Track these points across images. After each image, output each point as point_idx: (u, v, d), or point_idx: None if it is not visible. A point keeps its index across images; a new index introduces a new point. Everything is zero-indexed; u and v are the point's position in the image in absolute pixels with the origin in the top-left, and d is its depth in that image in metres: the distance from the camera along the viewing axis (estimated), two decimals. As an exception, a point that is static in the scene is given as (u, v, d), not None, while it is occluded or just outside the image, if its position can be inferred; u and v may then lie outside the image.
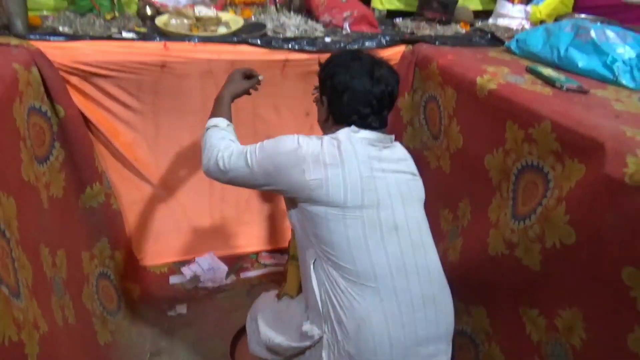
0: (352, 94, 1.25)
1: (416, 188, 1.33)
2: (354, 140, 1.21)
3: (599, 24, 1.95)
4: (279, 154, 1.21)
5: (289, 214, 1.30)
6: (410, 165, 1.35)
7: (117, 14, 1.87)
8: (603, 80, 1.68)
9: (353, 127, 1.25)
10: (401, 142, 2.11)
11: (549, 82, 1.61)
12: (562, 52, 1.78)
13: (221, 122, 1.42)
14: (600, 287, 1.21)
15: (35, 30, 1.74)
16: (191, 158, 2.07)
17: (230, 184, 1.33)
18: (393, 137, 1.32)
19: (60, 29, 1.75)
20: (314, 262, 1.23)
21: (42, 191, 1.50)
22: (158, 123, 1.97)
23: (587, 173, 1.23)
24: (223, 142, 1.33)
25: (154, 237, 2.20)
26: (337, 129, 1.25)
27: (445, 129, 1.88)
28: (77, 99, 1.74)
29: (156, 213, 2.15)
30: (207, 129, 1.42)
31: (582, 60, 1.74)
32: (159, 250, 2.22)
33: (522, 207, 1.47)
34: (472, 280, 1.66)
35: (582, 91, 1.54)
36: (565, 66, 1.77)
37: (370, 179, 1.19)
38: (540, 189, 1.41)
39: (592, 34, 1.74)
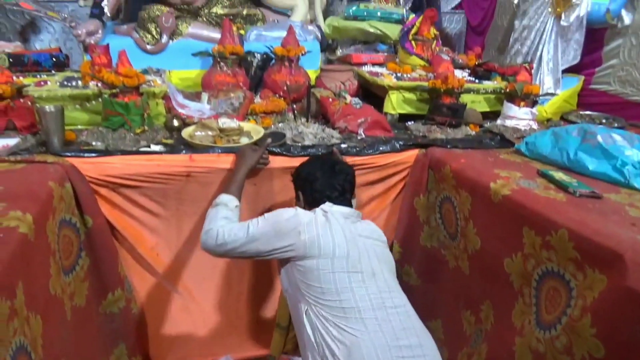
0: (319, 181, 1.63)
1: (388, 254, 1.63)
2: (334, 210, 1.56)
3: (604, 127, 2.02)
4: (280, 221, 1.50)
5: (280, 277, 1.57)
6: (380, 235, 1.65)
7: (146, 127, 2.00)
8: (615, 183, 1.71)
9: (328, 203, 1.59)
10: (418, 241, 2.17)
11: (561, 187, 1.65)
12: (571, 155, 1.84)
13: (230, 201, 1.64)
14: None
15: (70, 144, 1.86)
16: (210, 261, 2.09)
17: (224, 256, 1.62)
18: (361, 214, 1.67)
19: (94, 143, 1.87)
20: (305, 312, 1.44)
21: (66, 302, 1.52)
22: (181, 228, 2.02)
23: (609, 284, 1.23)
24: (225, 221, 1.56)
25: (171, 340, 2.16)
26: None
27: (462, 230, 1.90)
28: (104, 208, 1.82)
29: (175, 316, 2.14)
30: (216, 204, 1.63)
31: (592, 164, 1.78)
32: (177, 353, 2.18)
33: (547, 315, 1.45)
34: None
35: (595, 196, 1.57)
36: (575, 169, 1.82)
37: (352, 237, 1.50)
38: (563, 297, 1.39)
39: (599, 138, 1.81)
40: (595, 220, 1.39)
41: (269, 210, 2.08)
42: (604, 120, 2.67)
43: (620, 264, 1.20)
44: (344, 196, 1.65)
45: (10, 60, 2.31)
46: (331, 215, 1.53)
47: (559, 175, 1.74)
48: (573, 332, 1.29)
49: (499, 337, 1.66)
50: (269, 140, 1.83)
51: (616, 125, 2.58)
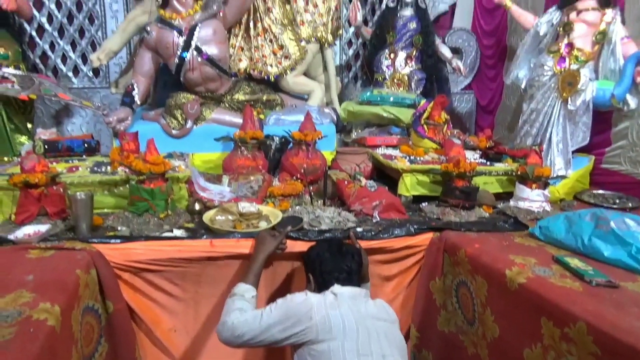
0: (327, 262, 1.70)
1: (399, 336, 1.63)
2: (343, 292, 1.61)
3: (617, 212, 2.04)
4: (291, 307, 1.55)
5: None
6: (390, 314, 1.68)
7: (169, 212, 2.09)
8: (631, 271, 1.71)
9: (337, 285, 1.64)
10: (436, 326, 2.15)
11: (577, 275, 1.65)
12: (585, 241, 1.86)
13: (247, 292, 1.68)
14: None
15: (97, 229, 1.94)
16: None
17: (243, 347, 1.65)
18: (369, 292, 1.79)
19: (119, 228, 1.96)
20: None
21: (84, 392, 1.53)
22: (198, 310, 2.04)
23: (632, 383, 1.21)
24: (239, 312, 1.59)
25: None
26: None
27: (479, 317, 1.89)
28: (125, 292, 1.86)
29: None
30: (233, 294, 1.68)
31: (607, 250, 1.79)
32: None
33: (571, 411, 1.41)
34: None
35: (612, 286, 1.57)
36: (590, 255, 1.83)
37: (361, 319, 1.53)
38: (587, 393, 1.36)
39: (612, 224, 1.83)
40: (613, 313, 1.39)
41: (286, 294, 2.10)
42: (617, 200, 2.69)
43: (641, 362, 1.19)
44: (351, 277, 1.70)
45: (46, 146, 2.47)
46: (340, 296, 1.59)
47: (575, 262, 1.75)
48: None
49: None
50: (289, 227, 1.92)
51: (630, 205, 2.60)
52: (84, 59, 3.61)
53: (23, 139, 2.86)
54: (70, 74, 3.62)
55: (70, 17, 3.55)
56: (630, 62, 2.69)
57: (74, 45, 3.60)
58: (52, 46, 3.57)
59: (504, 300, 1.75)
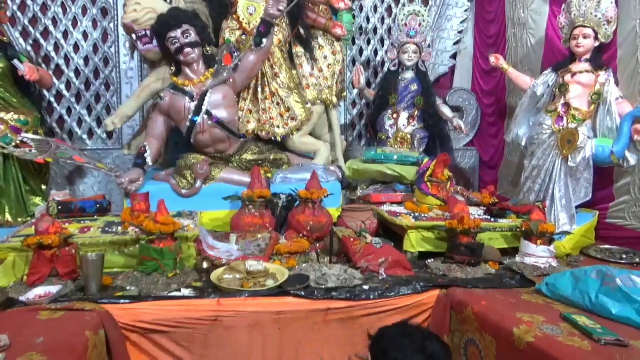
0: None
1: None
2: None
3: (623, 269, 2.04)
4: None
5: None
6: None
7: (178, 271, 2.12)
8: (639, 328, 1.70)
9: None
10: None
11: (586, 333, 1.65)
12: (592, 298, 1.86)
13: None
14: None
15: (106, 289, 1.97)
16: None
17: None
18: None
19: (128, 288, 1.98)
20: None
21: None
22: (204, 373, 2.02)
23: None
24: None
25: None
26: None
27: (489, 376, 1.86)
28: (132, 354, 1.86)
29: None
30: None
31: (614, 307, 1.79)
32: None
33: None
34: None
35: (621, 344, 1.56)
36: (598, 312, 1.82)
37: None
38: None
39: (618, 281, 1.83)
40: (624, 373, 1.37)
41: (295, 357, 2.08)
42: (624, 255, 2.68)
43: None
44: None
45: (59, 207, 2.54)
46: None
47: (582, 320, 1.74)
48: None
49: None
50: None
51: (637, 259, 2.60)
52: (99, 122, 3.77)
53: (37, 199, 2.95)
54: (84, 136, 3.77)
55: (87, 83, 3.74)
56: (626, 120, 2.77)
57: (89, 109, 3.77)
58: (68, 110, 3.74)
59: (512, 359, 1.73)
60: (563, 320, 1.78)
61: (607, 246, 2.85)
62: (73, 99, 3.72)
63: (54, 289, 1.89)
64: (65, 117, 3.72)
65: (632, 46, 2.84)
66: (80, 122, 3.76)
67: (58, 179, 3.57)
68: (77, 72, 3.71)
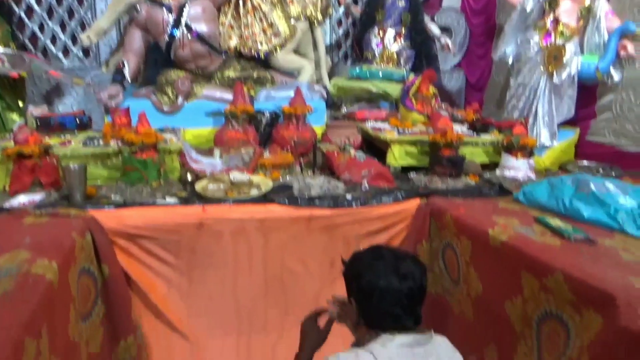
0: (380, 294, 1.18)
1: None
2: (393, 354, 1.13)
3: (597, 171, 2.10)
4: None
5: None
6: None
7: (162, 181, 2.13)
8: (610, 229, 1.78)
9: (388, 335, 1.16)
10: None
11: (557, 233, 1.72)
12: (567, 203, 1.92)
13: None
14: None
15: (90, 199, 1.98)
16: (219, 309, 2.15)
17: None
18: (432, 332, 1.21)
19: (113, 197, 2.00)
20: None
21: (82, 349, 1.58)
22: (192, 277, 2.09)
23: (604, 325, 1.28)
24: None
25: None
26: (371, 336, 1.19)
27: (464, 276, 1.96)
28: (121, 258, 1.91)
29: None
30: None
31: (586, 211, 1.86)
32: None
33: (548, 356, 1.48)
34: None
35: (590, 241, 1.64)
36: (571, 216, 1.89)
37: None
38: (562, 337, 1.43)
39: (592, 187, 1.89)
40: (589, 264, 1.45)
41: (280, 262, 2.15)
42: (601, 170, 2.75)
43: (613, 305, 1.26)
44: (413, 312, 1.20)
45: (38, 123, 2.49)
46: None
47: (555, 222, 1.81)
48: (573, 373, 1.32)
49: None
50: (332, 311, 1.44)
51: (613, 174, 2.66)
52: (74, 39, 3.62)
53: (15, 116, 2.88)
54: (60, 54, 3.63)
55: (59, -2, 3.55)
56: (614, 36, 2.75)
57: (63, 26, 3.61)
58: (41, 27, 3.57)
59: (487, 258, 1.81)
60: (537, 223, 1.85)
61: (585, 162, 2.92)
62: (45, 15, 3.54)
63: (37, 196, 1.90)
64: (39, 33, 3.56)
65: (625, -42, 2.76)
66: (54, 39, 3.61)
67: (36, 99, 3.46)
68: (47, -16, 3.51)
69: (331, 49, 4.06)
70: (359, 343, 1.23)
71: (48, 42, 3.59)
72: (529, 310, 1.58)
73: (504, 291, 1.70)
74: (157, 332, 2.09)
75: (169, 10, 2.76)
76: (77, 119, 2.57)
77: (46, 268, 1.33)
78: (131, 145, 2.10)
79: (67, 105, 3.59)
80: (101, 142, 2.31)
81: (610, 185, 1.91)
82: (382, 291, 1.18)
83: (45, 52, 3.60)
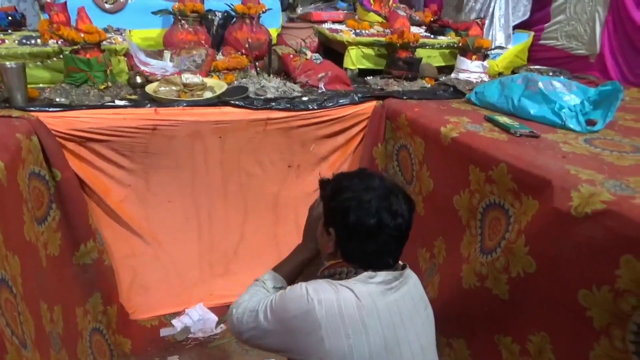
0: (368, 233, 1.09)
1: (430, 326, 1.21)
2: (373, 291, 1.07)
3: (546, 75, 2.16)
4: (289, 318, 1.07)
5: None
6: (424, 298, 1.21)
7: (110, 84, 2.03)
8: (553, 125, 1.87)
9: (369, 273, 1.10)
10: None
11: (504, 129, 1.79)
12: (515, 102, 1.99)
13: (271, 282, 1.30)
14: (562, 311, 1.33)
15: (33, 102, 1.88)
16: (179, 212, 2.18)
17: (248, 345, 1.24)
18: (407, 268, 1.19)
19: (57, 100, 1.90)
20: None
21: (41, 250, 1.59)
22: (148, 180, 2.08)
23: (540, 208, 1.38)
24: (246, 303, 1.19)
25: (144, 291, 2.26)
26: (349, 272, 1.12)
27: (417, 175, 2.04)
28: (72, 162, 1.86)
29: (146, 267, 2.22)
30: (256, 280, 1.31)
31: (533, 108, 1.93)
32: (149, 303, 2.27)
33: (489, 242, 1.61)
34: (451, 314, 1.76)
35: (533, 136, 1.72)
36: (519, 114, 1.97)
37: (394, 344, 1.07)
38: (503, 224, 1.55)
39: (540, 85, 1.95)
40: (531, 155, 1.54)
41: (237, 165, 2.16)
42: (550, 74, 2.82)
43: (548, 189, 1.36)
44: (397, 250, 1.16)
45: (-35, 20, 2.27)
46: (370, 301, 1.06)
47: (503, 119, 1.89)
48: (510, 252, 1.45)
49: (449, 267, 1.83)
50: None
51: (562, 77, 2.74)
52: None
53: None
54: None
55: None
56: None
57: None
58: None
59: (438, 156, 1.89)
60: (486, 121, 1.92)
61: (537, 66, 2.97)
62: None
63: (-26, 98, 1.78)
64: None
65: None
66: None
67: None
68: None
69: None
70: (330, 275, 1.15)
71: None
72: (474, 202, 1.69)
73: (453, 186, 1.80)
74: (116, 235, 2.11)
75: None
76: (9, 16, 2.36)
77: (-8, 166, 1.28)
78: (73, 44, 1.96)
79: (-4, 3, 3.27)
80: (39, 42, 2.15)
81: (557, 84, 1.98)
82: (370, 230, 1.09)
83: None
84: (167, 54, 2.37)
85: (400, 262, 1.18)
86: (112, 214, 2.06)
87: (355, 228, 1.10)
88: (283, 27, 2.79)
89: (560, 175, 1.37)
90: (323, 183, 1.25)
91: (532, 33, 3.06)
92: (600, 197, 1.23)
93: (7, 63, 1.82)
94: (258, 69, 2.45)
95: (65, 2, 2.25)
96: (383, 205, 1.10)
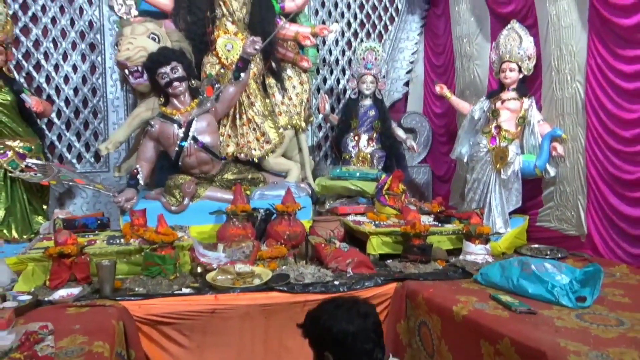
0: (353, 337, 1.36)
1: None
2: None
3: (545, 252, 2.56)
4: None
5: None
6: None
7: (177, 274, 2.49)
8: (549, 302, 2.20)
9: None
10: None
11: (506, 306, 2.14)
12: (514, 282, 2.35)
13: None
14: None
15: (118, 291, 2.33)
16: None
17: None
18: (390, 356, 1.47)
19: (137, 289, 2.35)
20: None
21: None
22: (202, 356, 2.39)
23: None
24: None
25: None
26: None
27: (437, 349, 2.33)
28: (143, 342, 2.22)
29: None
30: None
31: (530, 288, 2.29)
32: None
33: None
34: None
35: (531, 312, 2.06)
36: (519, 292, 2.32)
37: None
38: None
39: (533, 267, 2.34)
40: (529, 330, 1.87)
41: (278, 342, 2.47)
42: (549, 252, 3.22)
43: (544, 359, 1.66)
44: (380, 343, 1.44)
45: (64, 224, 2.87)
46: None
47: (506, 298, 2.24)
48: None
49: None
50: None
51: (559, 255, 3.12)
52: (87, 147, 4.11)
53: (39, 218, 3.26)
54: (74, 160, 4.09)
55: (77, 112, 4.08)
56: (545, 139, 3.35)
57: (78, 135, 4.10)
58: (59, 137, 4.06)
59: (453, 331, 2.20)
60: (491, 299, 2.27)
61: (536, 245, 3.38)
62: (64, 127, 4.04)
63: (75, 290, 2.24)
64: (56, 143, 4.04)
65: (549, 79, 3.44)
66: (70, 147, 4.08)
67: (50, 201, 3.85)
68: (67, 101, 4.05)
69: (313, 150, 4.63)
70: None
71: (64, 149, 4.06)
72: (490, 373, 1.96)
73: (470, 358, 2.07)
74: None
75: (179, 125, 3.28)
76: (98, 220, 2.96)
77: (104, 348, 1.66)
78: (152, 243, 2.49)
79: (77, 206, 3.99)
80: (122, 241, 2.69)
81: (548, 265, 2.37)
82: (354, 334, 1.37)
83: (60, 158, 4.06)
84: (220, 247, 2.88)
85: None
86: (169, 390, 2.33)
87: (342, 339, 1.37)
88: (314, 220, 3.35)
89: (552, 348, 1.69)
90: (302, 325, 1.53)
91: (527, 217, 3.54)
92: (584, 367, 1.53)
93: (103, 261, 2.32)
94: (295, 256, 2.92)
95: (145, 209, 2.86)
96: (354, 312, 1.41)
